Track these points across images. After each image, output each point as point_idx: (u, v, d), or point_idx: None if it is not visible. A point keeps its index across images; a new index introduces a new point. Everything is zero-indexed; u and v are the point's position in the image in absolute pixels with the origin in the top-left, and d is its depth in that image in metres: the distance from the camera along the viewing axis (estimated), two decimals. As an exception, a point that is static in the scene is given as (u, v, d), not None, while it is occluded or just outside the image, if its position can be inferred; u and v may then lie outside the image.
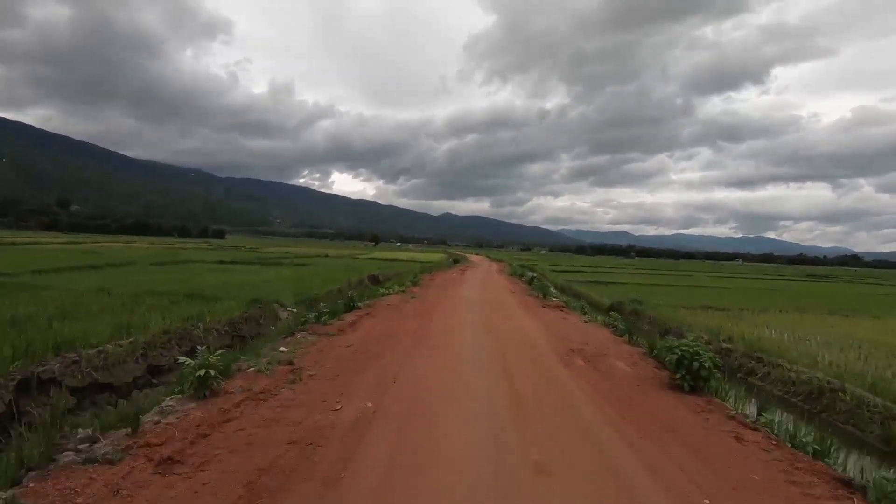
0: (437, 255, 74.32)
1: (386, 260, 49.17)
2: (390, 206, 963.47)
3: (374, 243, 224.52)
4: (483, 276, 33.51)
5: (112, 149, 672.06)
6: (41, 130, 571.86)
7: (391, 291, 18.58)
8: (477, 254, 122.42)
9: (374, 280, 29.77)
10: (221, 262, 36.84)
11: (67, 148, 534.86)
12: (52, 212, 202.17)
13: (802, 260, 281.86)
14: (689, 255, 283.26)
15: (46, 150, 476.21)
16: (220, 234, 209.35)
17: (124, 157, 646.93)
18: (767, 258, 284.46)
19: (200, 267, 31.06)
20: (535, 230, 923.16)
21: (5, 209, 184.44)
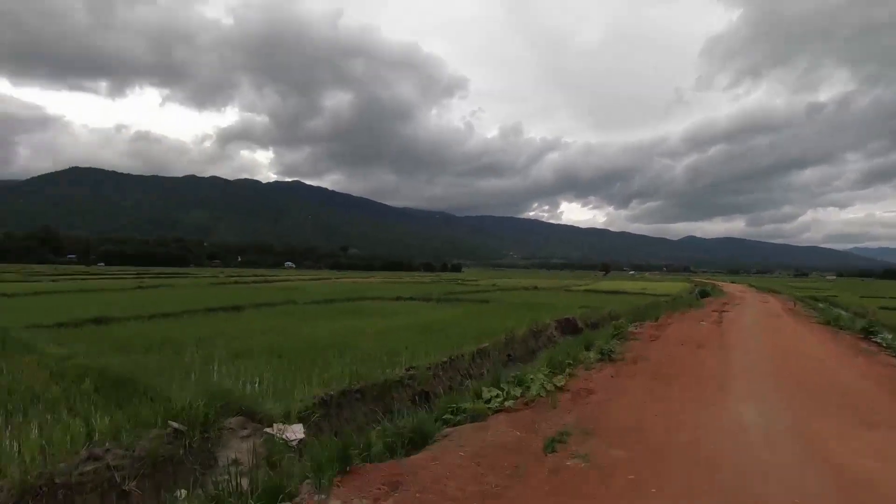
0: (676, 285, 56.93)
1: (606, 292, 36.77)
2: (622, 233, 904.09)
3: (603, 272, 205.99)
4: (777, 334, 16.44)
5: (379, 201, 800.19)
6: (333, 192, 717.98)
7: (505, 400, 6.36)
8: (732, 282, 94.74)
9: (571, 327, 18.65)
10: (398, 298, 30.39)
11: (349, 204, 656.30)
12: (336, 255, 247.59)
13: None
14: None
15: (336, 207, 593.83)
16: (457, 268, 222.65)
17: (388, 206, 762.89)
18: None
19: (353, 307, 24.33)
20: (812, 251, 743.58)
21: (308, 254, 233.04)
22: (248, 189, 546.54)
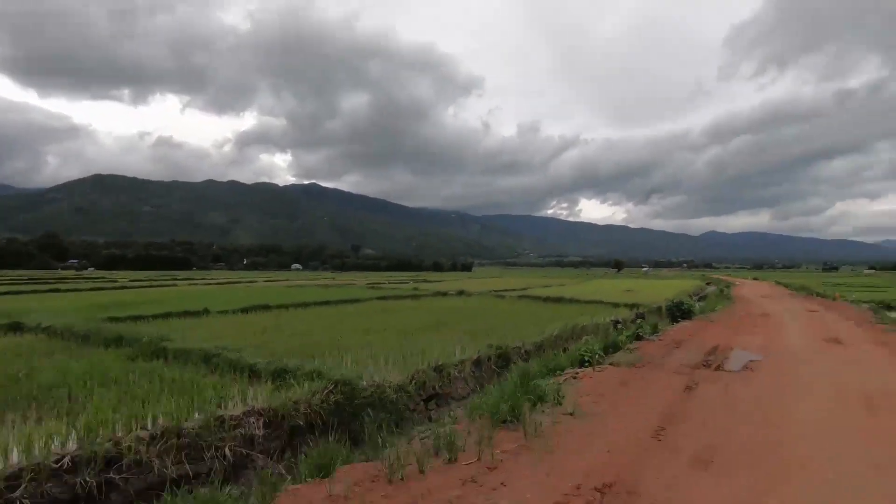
0: (680, 285, 45.82)
1: (550, 300, 25.80)
2: (642, 230, 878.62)
3: (616, 269, 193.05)
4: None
5: (396, 202, 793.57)
6: (349, 193, 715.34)
7: None
8: (755, 278, 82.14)
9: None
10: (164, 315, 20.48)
11: (366, 204, 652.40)
12: (345, 256, 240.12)
13: None
14: None
15: (352, 208, 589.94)
16: (468, 268, 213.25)
17: (404, 207, 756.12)
18: None
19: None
20: (842, 244, 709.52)
21: (316, 255, 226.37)
22: (266, 192, 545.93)
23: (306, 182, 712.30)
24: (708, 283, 52.70)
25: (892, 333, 12.08)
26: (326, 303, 21.08)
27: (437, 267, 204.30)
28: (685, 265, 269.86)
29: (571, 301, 23.55)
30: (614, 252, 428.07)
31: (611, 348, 10.33)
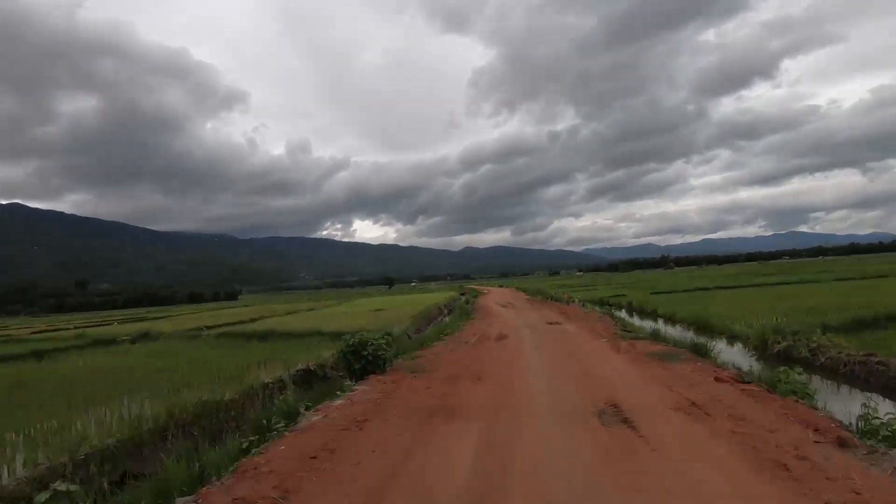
0: (435, 297, 45.45)
1: (276, 337, 20.78)
2: (411, 248, 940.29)
3: (388, 286, 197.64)
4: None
5: (141, 225, 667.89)
6: (73, 216, 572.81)
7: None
8: (501, 285, 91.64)
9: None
10: None
11: (98, 229, 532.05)
12: (66, 293, 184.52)
13: (855, 249, 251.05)
14: (731, 259, 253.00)
15: (78, 234, 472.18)
16: (233, 296, 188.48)
17: (152, 231, 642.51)
18: (819, 251, 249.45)
19: None
20: (560, 253, 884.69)
21: (17, 296, 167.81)
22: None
23: (4, 202, 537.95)
24: (462, 294, 54.22)
25: (662, 364, 8.90)
26: None
27: (196, 298, 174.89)
28: (448, 277, 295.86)
29: (283, 336, 17.96)
30: (388, 270, 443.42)
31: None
